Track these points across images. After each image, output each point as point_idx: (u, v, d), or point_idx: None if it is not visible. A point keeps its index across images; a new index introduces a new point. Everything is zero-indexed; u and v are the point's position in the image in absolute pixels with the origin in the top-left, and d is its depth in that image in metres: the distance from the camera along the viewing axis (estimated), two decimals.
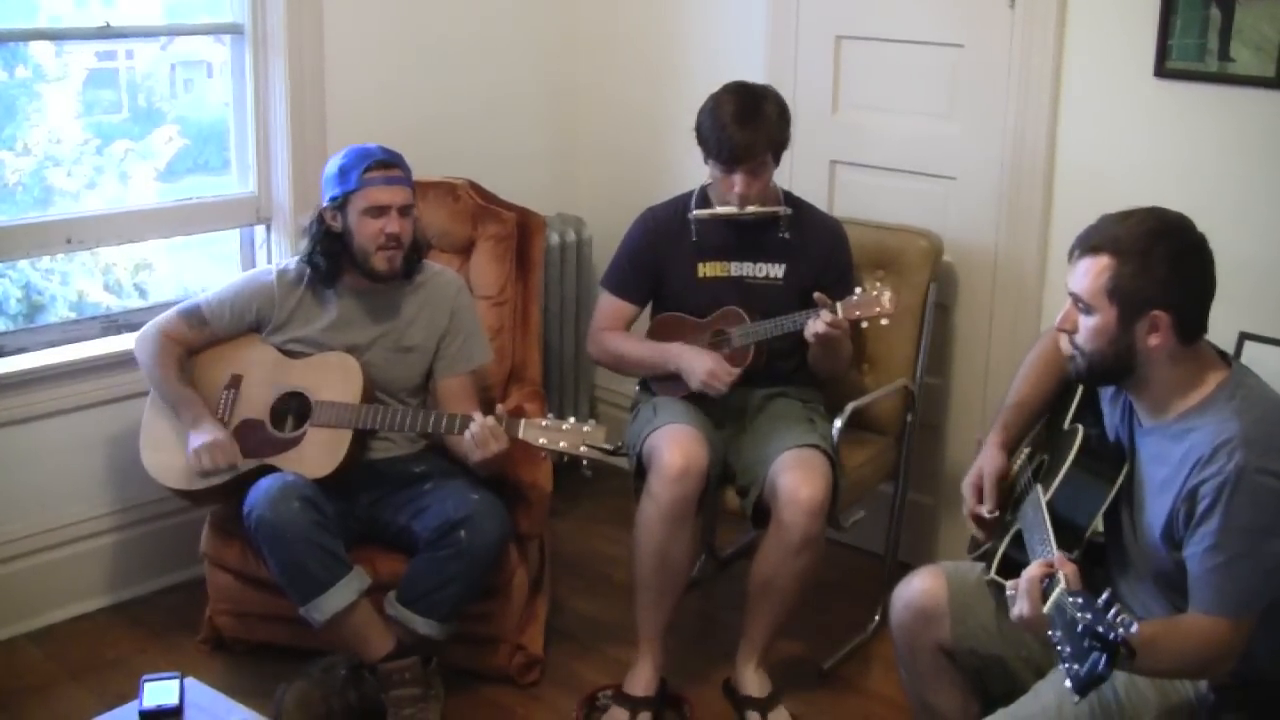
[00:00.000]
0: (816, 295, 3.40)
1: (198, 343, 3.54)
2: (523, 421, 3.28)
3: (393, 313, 3.53)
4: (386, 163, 3.41)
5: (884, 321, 3.40)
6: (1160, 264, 2.39)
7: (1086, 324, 2.48)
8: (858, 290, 3.41)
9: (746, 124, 3.45)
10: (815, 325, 3.39)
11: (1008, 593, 2.36)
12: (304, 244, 3.52)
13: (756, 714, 3.45)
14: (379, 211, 3.39)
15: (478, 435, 3.26)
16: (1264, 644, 2.45)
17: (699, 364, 3.54)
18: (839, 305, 3.38)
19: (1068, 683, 2.11)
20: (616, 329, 3.76)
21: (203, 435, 3.39)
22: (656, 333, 3.73)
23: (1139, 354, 2.45)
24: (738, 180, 3.50)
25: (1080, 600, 2.15)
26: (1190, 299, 2.44)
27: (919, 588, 2.83)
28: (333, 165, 3.45)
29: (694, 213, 3.64)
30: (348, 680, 3.32)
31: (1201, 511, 2.38)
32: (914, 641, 2.84)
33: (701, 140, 3.54)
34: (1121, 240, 2.42)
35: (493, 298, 3.90)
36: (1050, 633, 2.20)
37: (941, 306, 3.97)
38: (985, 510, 2.76)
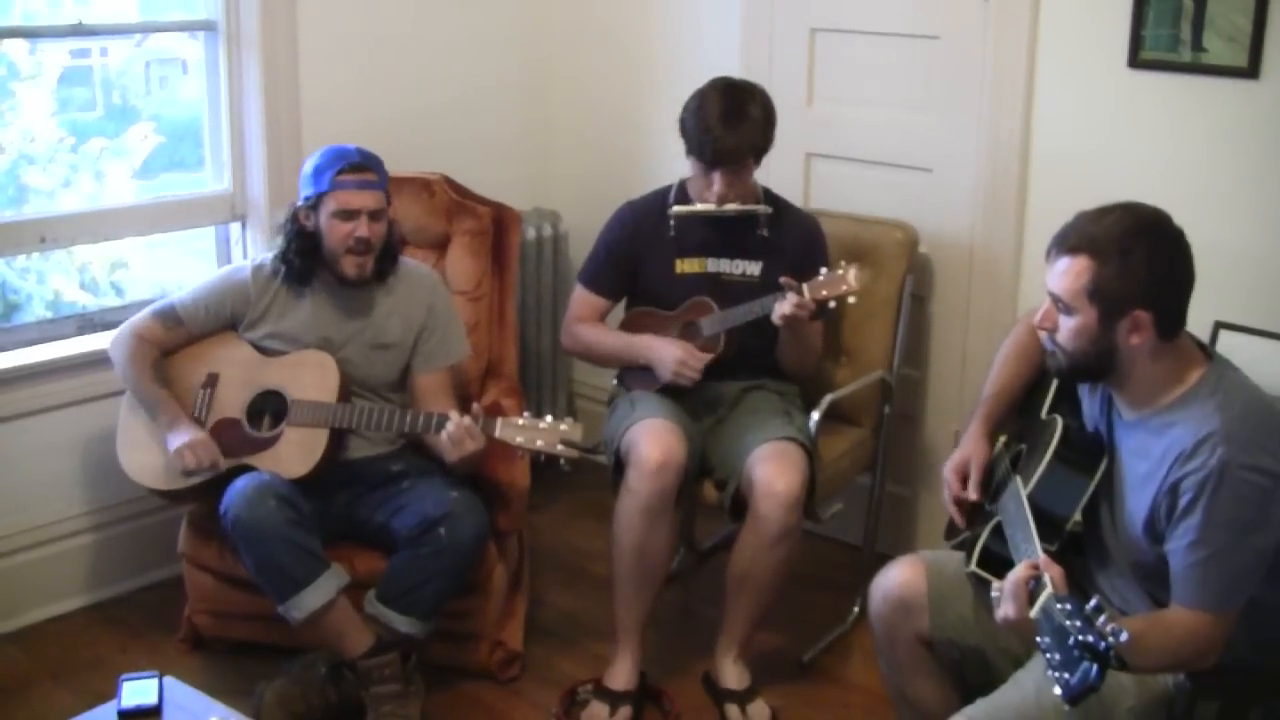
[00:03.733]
0: (783, 279, 3.38)
1: (172, 343, 3.52)
2: (499, 420, 3.27)
3: (368, 310, 3.51)
4: (360, 166, 3.38)
5: (851, 300, 3.34)
6: (1141, 264, 2.37)
7: (1067, 324, 2.47)
8: (823, 270, 3.37)
9: (731, 126, 3.42)
10: (782, 307, 3.36)
11: (993, 594, 2.35)
12: (279, 240, 3.51)
13: (735, 706, 3.46)
14: (349, 215, 3.37)
15: (454, 435, 3.25)
16: (1246, 635, 2.46)
17: (668, 354, 3.54)
18: (805, 286, 3.35)
19: (1057, 690, 2.10)
20: (589, 321, 3.76)
21: (182, 435, 3.38)
22: (629, 326, 3.73)
23: (1120, 352, 2.44)
24: (717, 180, 3.48)
25: (1069, 606, 2.14)
26: (1171, 296, 2.42)
27: (897, 578, 2.83)
28: (309, 164, 3.44)
29: (673, 209, 3.63)
30: (327, 678, 3.32)
31: (1184, 506, 2.38)
32: (893, 632, 2.84)
33: (685, 136, 3.52)
34: (1100, 240, 2.40)
35: (469, 293, 3.89)
36: (1038, 639, 2.20)
37: (918, 298, 3.98)
38: (971, 496, 2.77)
